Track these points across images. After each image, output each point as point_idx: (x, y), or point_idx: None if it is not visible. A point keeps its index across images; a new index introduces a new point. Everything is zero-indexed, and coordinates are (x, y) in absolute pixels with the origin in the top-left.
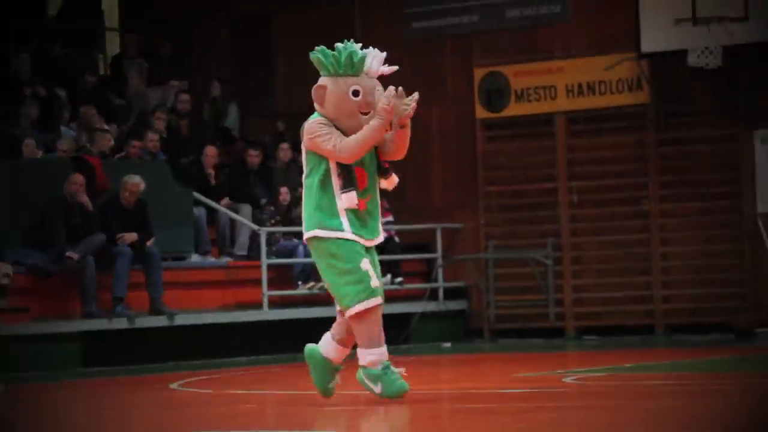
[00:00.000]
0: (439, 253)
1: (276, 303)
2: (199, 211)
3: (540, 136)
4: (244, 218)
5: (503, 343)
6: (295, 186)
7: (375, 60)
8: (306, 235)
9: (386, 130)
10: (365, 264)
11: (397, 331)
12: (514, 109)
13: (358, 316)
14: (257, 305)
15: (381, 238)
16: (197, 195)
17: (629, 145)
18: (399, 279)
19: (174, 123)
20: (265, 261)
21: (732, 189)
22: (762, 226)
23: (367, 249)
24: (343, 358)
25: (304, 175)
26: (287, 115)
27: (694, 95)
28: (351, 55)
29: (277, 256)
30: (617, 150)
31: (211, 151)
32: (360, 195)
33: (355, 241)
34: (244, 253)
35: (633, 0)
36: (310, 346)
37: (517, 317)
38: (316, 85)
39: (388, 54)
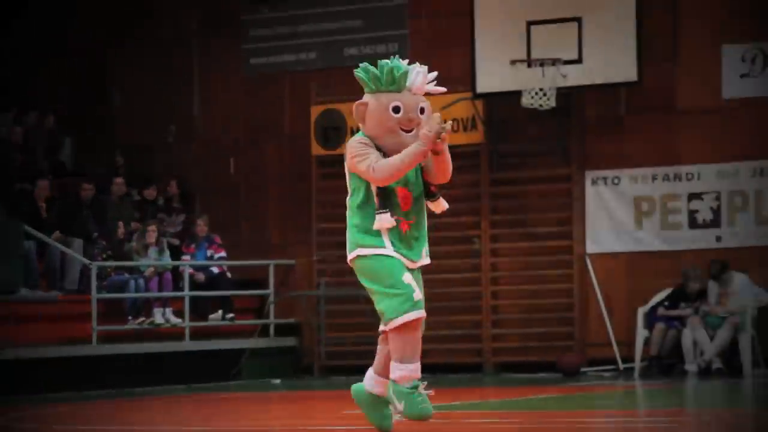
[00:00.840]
0: (271, 290)
1: (105, 338)
2: (30, 245)
3: None
4: (75, 252)
5: (334, 381)
6: (128, 220)
7: (419, 76)
8: (349, 257)
9: (425, 156)
10: (407, 278)
11: (228, 367)
12: None
13: (398, 329)
14: (86, 340)
15: (425, 260)
16: (28, 228)
17: (463, 184)
18: (230, 315)
19: (6, 155)
20: (95, 295)
21: (563, 229)
22: (591, 267)
23: (411, 270)
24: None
25: (348, 196)
26: (126, 147)
27: (527, 136)
28: (392, 70)
29: (108, 291)
30: (452, 189)
31: (43, 184)
32: (403, 216)
33: (397, 258)
34: (75, 287)
35: (469, 40)
36: (355, 386)
37: (348, 354)
38: (357, 102)
39: (224, 91)
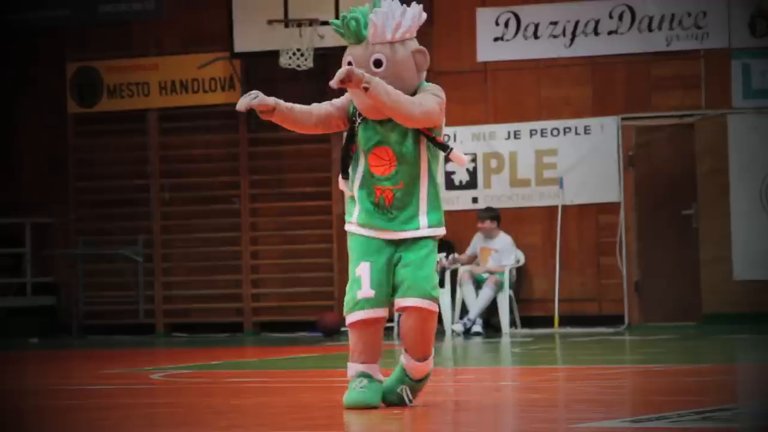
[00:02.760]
0: (28, 248)
1: None
2: None
3: (133, 132)
4: None
5: (92, 340)
6: None
7: (379, 22)
8: None
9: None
10: (360, 268)
11: None
12: (106, 105)
13: (349, 325)
14: None
15: (425, 231)
16: None
17: (222, 143)
18: None
19: None
20: None
21: (322, 190)
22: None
23: (393, 243)
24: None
25: None
26: None
27: (287, 96)
28: (347, 20)
29: None
30: (210, 148)
31: None
32: (382, 182)
33: (363, 237)
34: None
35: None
36: None
37: (107, 314)
38: None
39: None
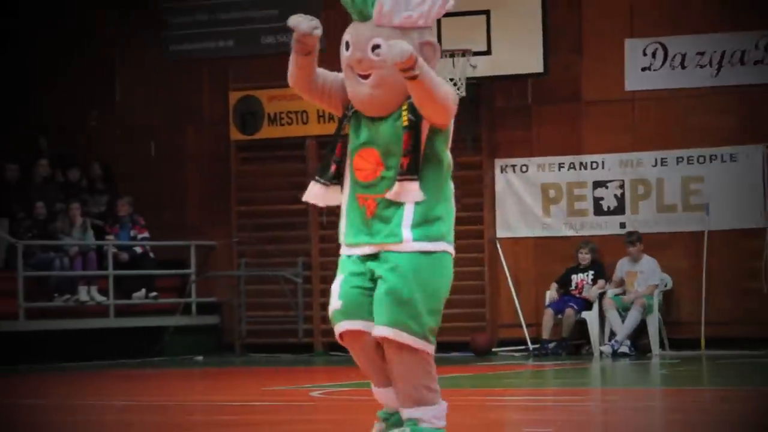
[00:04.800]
0: (192, 269)
1: (32, 314)
2: None
3: (292, 159)
4: (1, 231)
5: (254, 358)
6: (53, 201)
7: (389, 7)
8: None
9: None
10: (335, 283)
11: (151, 344)
12: (267, 132)
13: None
14: (13, 316)
15: (403, 246)
16: None
17: None
18: (153, 294)
19: None
20: (21, 273)
21: (474, 214)
22: (501, 251)
23: (373, 257)
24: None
25: None
26: (49, 131)
27: None
28: None
29: (34, 269)
30: None
31: None
32: (364, 190)
33: (343, 254)
34: (2, 265)
35: None
36: None
37: (267, 333)
38: None
39: (145, 77)
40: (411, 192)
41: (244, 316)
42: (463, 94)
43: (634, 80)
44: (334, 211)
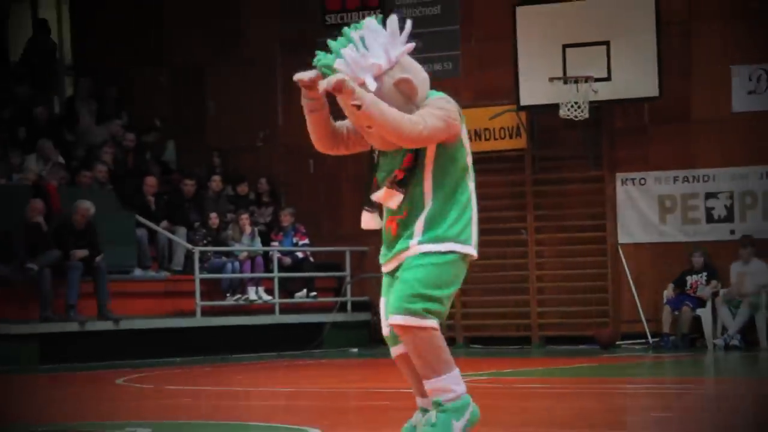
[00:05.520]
0: (348, 272)
1: (207, 312)
2: (141, 232)
3: None
4: (179, 238)
5: None
6: (224, 212)
7: (350, 75)
8: None
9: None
10: (381, 304)
11: (311, 338)
12: None
13: None
14: (191, 313)
15: (409, 251)
16: (139, 218)
17: (510, 183)
18: (313, 293)
19: (120, 156)
20: (198, 276)
21: (597, 222)
22: (622, 255)
23: (391, 273)
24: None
25: None
26: (221, 150)
27: (564, 142)
28: (326, 70)
29: (209, 272)
30: (500, 188)
31: (150, 181)
32: (390, 212)
33: (383, 275)
34: (180, 268)
35: (513, 61)
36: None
37: None
38: None
39: None
40: (394, 200)
41: None
42: (586, 115)
43: (740, 102)
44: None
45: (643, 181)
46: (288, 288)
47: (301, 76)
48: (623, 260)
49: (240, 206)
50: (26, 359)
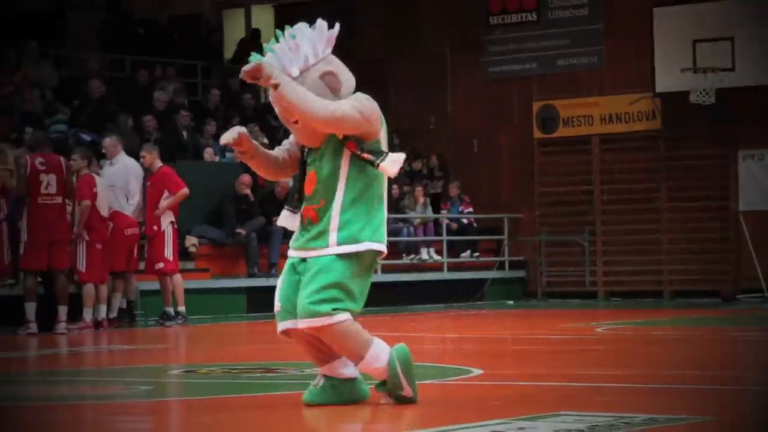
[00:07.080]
0: (505, 236)
1: (386, 269)
2: None
3: (581, 152)
4: None
5: (552, 303)
6: (402, 184)
7: (279, 67)
8: None
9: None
10: (278, 283)
11: (475, 292)
12: (562, 132)
13: None
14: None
15: (328, 250)
16: None
17: (645, 160)
18: (476, 254)
19: None
20: None
21: (722, 193)
22: (743, 221)
23: (304, 260)
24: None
25: None
26: (400, 132)
27: (693, 124)
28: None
29: (388, 236)
30: (637, 163)
31: None
32: (307, 201)
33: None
34: None
35: (650, 53)
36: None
37: (562, 283)
38: None
39: (470, 92)
40: (290, 222)
41: (545, 270)
42: (713, 101)
43: None
44: (612, 192)
45: (761, 157)
46: (455, 249)
47: (225, 139)
48: (743, 225)
49: (415, 180)
50: (235, 309)
